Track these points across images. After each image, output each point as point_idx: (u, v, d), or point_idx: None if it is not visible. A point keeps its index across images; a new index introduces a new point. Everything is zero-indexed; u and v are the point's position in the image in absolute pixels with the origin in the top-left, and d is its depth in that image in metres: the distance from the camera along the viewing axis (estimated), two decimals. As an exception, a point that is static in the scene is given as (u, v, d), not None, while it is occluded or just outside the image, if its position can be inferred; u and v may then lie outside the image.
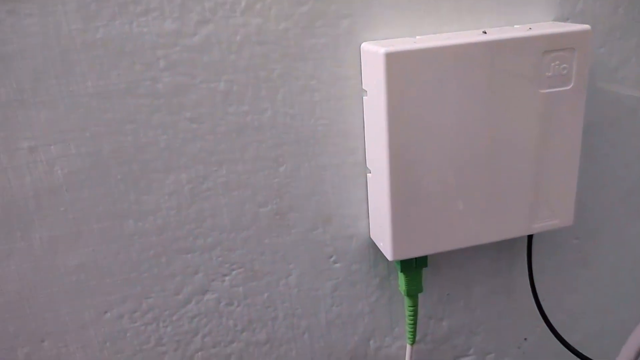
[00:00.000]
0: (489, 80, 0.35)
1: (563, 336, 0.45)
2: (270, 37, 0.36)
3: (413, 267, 0.41)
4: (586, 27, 0.36)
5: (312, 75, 0.37)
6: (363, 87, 0.38)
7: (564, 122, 0.38)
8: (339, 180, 0.40)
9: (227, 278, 0.41)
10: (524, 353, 0.51)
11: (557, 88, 0.37)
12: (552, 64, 0.36)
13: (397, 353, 0.47)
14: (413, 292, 0.42)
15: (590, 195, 0.46)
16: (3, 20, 0.32)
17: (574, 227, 0.47)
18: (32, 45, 0.33)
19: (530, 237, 0.44)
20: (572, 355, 0.45)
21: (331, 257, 0.43)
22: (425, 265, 0.41)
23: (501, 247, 0.46)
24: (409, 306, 0.43)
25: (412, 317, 0.43)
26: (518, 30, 0.36)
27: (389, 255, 0.38)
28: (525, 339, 0.50)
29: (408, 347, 0.45)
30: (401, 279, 0.42)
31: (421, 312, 0.46)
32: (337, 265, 0.43)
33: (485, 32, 0.36)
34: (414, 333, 0.44)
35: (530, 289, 0.45)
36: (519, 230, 0.40)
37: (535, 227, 0.40)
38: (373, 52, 0.35)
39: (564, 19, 0.41)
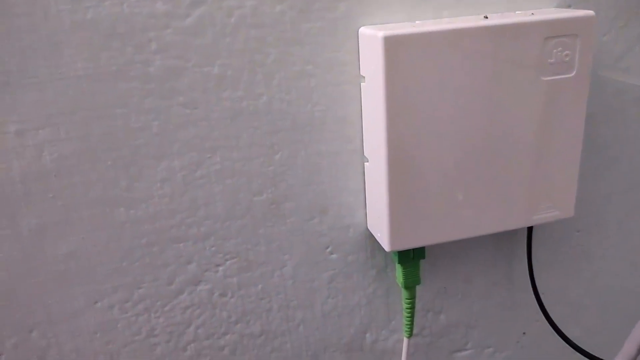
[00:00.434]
0: (490, 66, 0.35)
1: (563, 330, 0.45)
2: (266, 19, 0.35)
3: (411, 259, 0.41)
4: (590, 12, 0.36)
5: (309, 60, 0.37)
6: (361, 73, 0.37)
7: (566, 111, 0.37)
8: (336, 169, 0.40)
9: (220, 268, 0.40)
10: (522, 347, 0.50)
11: (559, 75, 0.36)
12: (555, 51, 0.36)
13: (393, 346, 0.47)
14: (410, 284, 0.42)
15: (592, 186, 0.46)
16: (-11, -1, 0.31)
17: (575, 219, 0.47)
18: (18, 25, 0.32)
19: (530, 229, 0.44)
20: (572, 350, 0.45)
21: (327, 247, 0.42)
22: (423, 257, 0.41)
23: (501, 239, 0.46)
24: (406, 299, 0.42)
25: (409, 310, 0.43)
26: (520, 16, 0.36)
27: (386, 246, 0.38)
28: (524, 333, 0.50)
29: (405, 340, 0.44)
30: (398, 271, 0.42)
31: (419, 304, 0.46)
32: (334, 256, 0.42)
33: (487, 17, 0.36)
34: (411, 326, 0.43)
35: (529, 282, 0.45)
36: (519, 221, 0.40)
37: (535, 219, 0.40)
38: (371, 37, 0.34)
39: (566, 5, 0.40)
